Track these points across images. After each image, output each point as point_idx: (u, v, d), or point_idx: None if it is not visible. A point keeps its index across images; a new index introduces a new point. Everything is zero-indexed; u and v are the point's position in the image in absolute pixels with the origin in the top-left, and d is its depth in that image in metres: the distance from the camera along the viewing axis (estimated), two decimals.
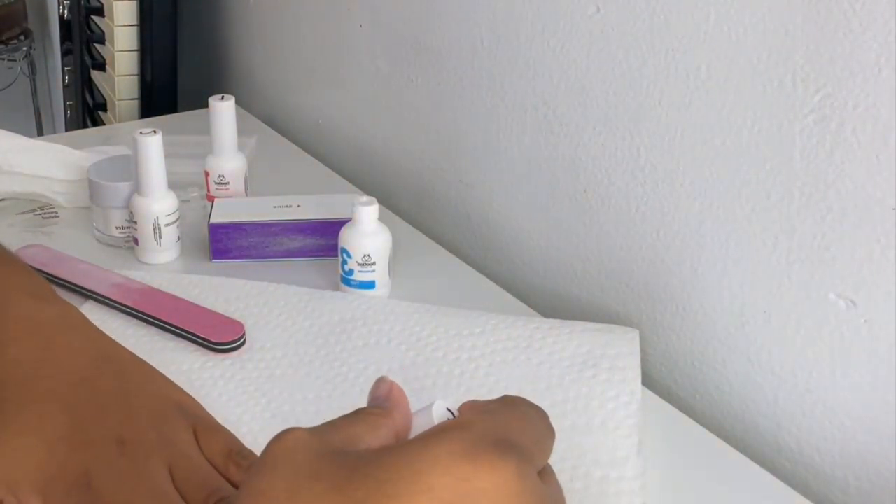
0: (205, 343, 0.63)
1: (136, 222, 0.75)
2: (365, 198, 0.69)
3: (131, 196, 0.75)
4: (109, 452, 0.46)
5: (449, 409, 0.37)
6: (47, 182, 0.84)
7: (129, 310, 0.66)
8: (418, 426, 0.37)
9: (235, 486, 0.48)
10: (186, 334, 0.64)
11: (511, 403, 0.37)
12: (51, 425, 0.47)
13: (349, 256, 0.69)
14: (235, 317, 0.66)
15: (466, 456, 0.31)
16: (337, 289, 0.71)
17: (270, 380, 0.60)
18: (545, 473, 0.37)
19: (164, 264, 0.76)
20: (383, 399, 0.37)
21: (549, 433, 0.38)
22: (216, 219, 0.76)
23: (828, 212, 0.54)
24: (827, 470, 0.58)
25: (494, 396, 0.60)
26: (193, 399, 0.53)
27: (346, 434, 0.35)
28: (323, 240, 0.76)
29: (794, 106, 0.54)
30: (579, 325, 0.65)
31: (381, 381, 0.38)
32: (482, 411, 0.36)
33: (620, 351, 0.62)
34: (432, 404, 0.37)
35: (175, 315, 0.65)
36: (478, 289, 0.75)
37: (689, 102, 0.60)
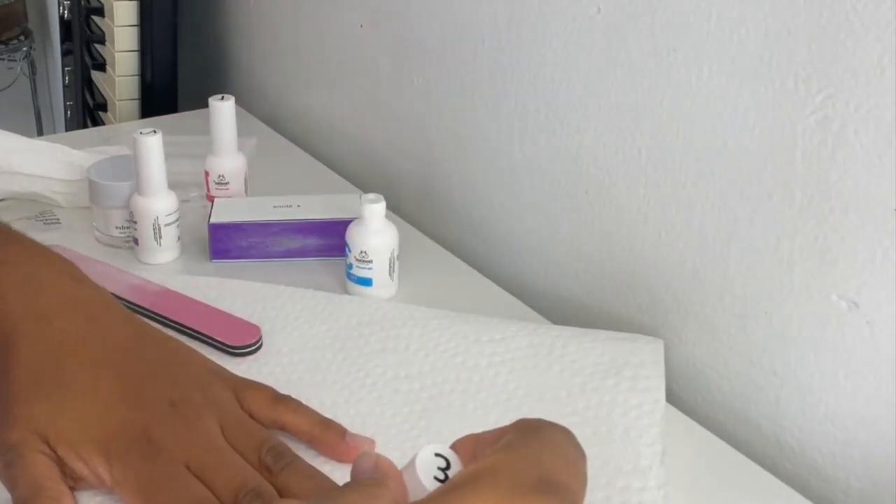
0: (221, 346, 0.63)
1: (136, 222, 0.75)
2: (372, 195, 0.69)
3: (131, 196, 0.75)
4: (164, 411, 0.49)
5: (439, 454, 0.32)
6: (47, 182, 0.84)
7: (145, 311, 0.66)
8: (412, 484, 0.32)
9: (287, 428, 0.53)
10: (202, 337, 0.63)
11: (531, 431, 0.32)
12: (106, 388, 0.49)
13: (349, 250, 0.70)
14: (252, 320, 0.65)
15: None
16: (340, 284, 0.72)
17: (287, 384, 0.58)
18: None
19: (164, 264, 0.76)
20: (371, 471, 0.33)
21: (581, 456, 0.33)
22: (216, 219, 0.76)
23: (830, 213, 0.54)
24: (829, 471, 0.57)
25: (514, 403, 0.59)
26: (225, 368, 0.56)
27: None
28: (322, 240, 0.76)
29: (795, 107, 0.54)
30: (602, 334, 0.64)
31: (364, 456, 0.34)
32: (504, 448, 0.31)
33: (644, 359, 0.61)
34: (415, 456, 0.32)
35: (191, 318, 0.65)
36: (478, 289, 0.75)
37: (690, 103, 0.60)
